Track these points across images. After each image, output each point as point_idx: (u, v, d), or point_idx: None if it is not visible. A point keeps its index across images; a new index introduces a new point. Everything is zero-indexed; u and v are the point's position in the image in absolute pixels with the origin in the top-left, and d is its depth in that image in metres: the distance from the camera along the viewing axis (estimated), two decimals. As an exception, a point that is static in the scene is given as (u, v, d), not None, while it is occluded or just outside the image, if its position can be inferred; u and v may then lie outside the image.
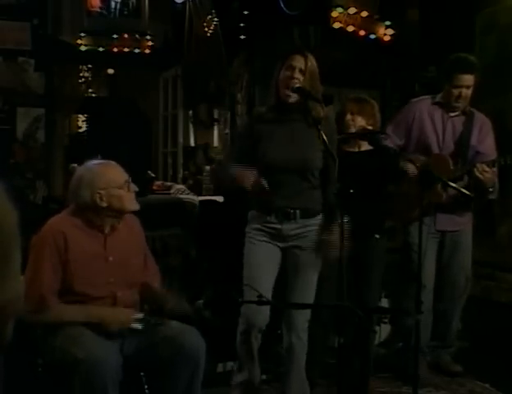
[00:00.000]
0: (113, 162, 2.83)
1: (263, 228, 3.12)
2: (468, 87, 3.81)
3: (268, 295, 3.01)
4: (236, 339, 3.16)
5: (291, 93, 3.04)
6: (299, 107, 3.09)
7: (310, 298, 3.15)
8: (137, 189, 2.81)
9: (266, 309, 3.06)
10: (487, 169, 3.64)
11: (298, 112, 3.10)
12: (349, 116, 3.49)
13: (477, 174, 3.63)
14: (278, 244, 3.14)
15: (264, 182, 2.97)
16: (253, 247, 3.14)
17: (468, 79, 3.79)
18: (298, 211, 3.09)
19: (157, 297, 2.83)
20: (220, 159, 6.53)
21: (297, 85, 3.03)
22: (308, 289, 3.15)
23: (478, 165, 3.65)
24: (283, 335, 3.20)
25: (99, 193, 2.70)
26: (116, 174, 2.77)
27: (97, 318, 2.62)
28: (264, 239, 3.13)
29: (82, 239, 2.71)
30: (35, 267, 2.64)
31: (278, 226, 3.10)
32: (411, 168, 3.52)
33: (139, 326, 2.68)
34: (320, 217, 3.16)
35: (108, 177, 2.74)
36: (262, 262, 3.11)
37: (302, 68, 3.04)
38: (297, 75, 3.03)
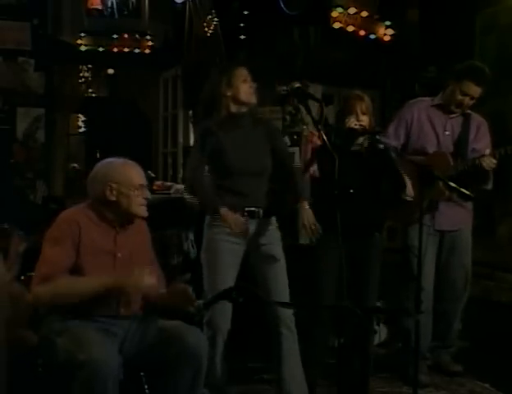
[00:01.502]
0: (135, 164, 2.84)
1: (227, 230, 3.15)
2: (472, 98, 3.79)
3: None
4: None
5: (245, 104, 3.22)
6: (247, 116, 3.26)
7: (285, 286, 3.25)
8: (149, 196, 2.82)
9: (229, 313, 3.17)
10: (495, 161, 3.63)
11: (245, 120, 3.26)
12: (356, 115, 3.42)
13: (486, 166, 3.62)
14: (242, 245, 3.22)
15: (247, 224, 3.14)
16: (215, 254, 3.20)
17: (476, 90, 3.77)
18: (260, 210, 3.23)
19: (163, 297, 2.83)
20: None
21: (297, 85, 3.04)
22: (282, 278, 3.25)
23: (486, 158, 3.64)
24: (271, 329, 3.24)
25: (110, 186, 2.72)
26: (132, 175, 2.78)
27: (111, 283, 2.61)
28: (227, 245, 3.18)
29: (94, 232, 2.73)
30: (50, 249, 2.65)
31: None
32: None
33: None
34: (275, 218, 3.32)
35: (124, 175, 2.76)
36: (225, 264, 3.18)
37: (249, 79, 3.25)
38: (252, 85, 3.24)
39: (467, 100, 3.80)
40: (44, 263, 2.64)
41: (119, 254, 2.77)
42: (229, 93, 3.22)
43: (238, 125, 3.25)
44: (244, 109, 3.25)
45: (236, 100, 3.22)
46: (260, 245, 3.26)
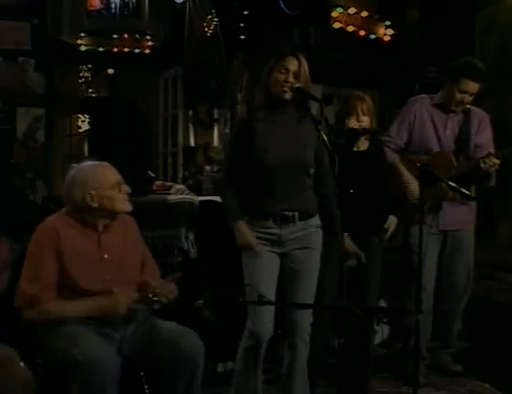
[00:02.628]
0: (105, 163, 2.82)
1: (260, 235, 3.02)
2: (471, 94, 3.79)
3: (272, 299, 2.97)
4: (237, 355, 3.08)
5: (287, 93, 2.98)
6: (292, 106, 3.04)
7: (312, 298, 3.11)
8: (129, 190, 2.80)
9: (271, 323, 3.01)
10: (497, 161, 3.63)
11: (291, 110, 3.05)
12: (356, 116, 3.43)
13: (487, 168, 3.62)
14: (277, 250, 3.05)
15: (259, 248, 2.96)
16: (251, 258, 3.02)
17: (474, 87, 3.76)
18: (296, 213, 3.02)
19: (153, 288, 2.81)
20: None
21: (297, 85, 3.01)
22: (310, 290, 3.09)
23: (487, 159, 3.63)
24: (286, 336, 3.16)
25: (90, 193, 2.70)
26: (107, 175, 2.77)
27: (98, 309, 2.63)
28: (262, 248, 3.01)
29: (76, 237, 2.72)
30: (31, 264, 2.66)
31: (277, 231, 3.03)
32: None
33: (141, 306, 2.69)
34: (317, 217, 3.11)
35: (100, 178, 2.74)
36: (262, 271, 3.02)
37: (296, 71, 3.00)
38: (291, 78, 2.98)
39: (466, 98, 3.80)
40: (28, 281, 2.63)
41: (105, 256, 2.76)
42: (274, 79, 3.00)
43: (280, 118, 3.03)
44: (288, 96, 2.99)
45: (270, 92, 3.02)
46: (294, 252, 3.06)
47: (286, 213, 3.01)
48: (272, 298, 2.99)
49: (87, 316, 2.63)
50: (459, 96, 3.79)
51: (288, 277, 3.09)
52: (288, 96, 3.00)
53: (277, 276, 3.08)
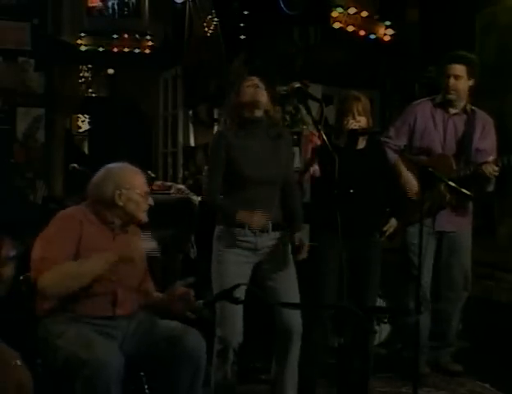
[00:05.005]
0: (141, 171, 2.89)
1: (237, 243, 3.17)
2: (456, 77, 3.82)
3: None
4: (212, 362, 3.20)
5: (258, 111, 3.18)
6: (264, 123, 3.22)
7: (295, 298, 3.22)
8: (152, 203, 2.85)
9: (241, 328, 3.16)
10: (496, 168, 3.64)
11: (263, 126, 3.23)
12: (352, 116, 3.43)
13: (487, 174, 3.63)
14: (252, 258, 3.20)
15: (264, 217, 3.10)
16: (222, 268, 3.18)
17: (456, 68, 3.81)
18: (270, 224, 3.19)
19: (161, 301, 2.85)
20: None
21: (297, 85, 3.04)
22: (290, 296, 3.20)
23: (488, 165, 3.65)
24: (278, 332, 3.22)
25: (120, 191, 2.74)
26: (141, 182, 2.84)
27: (114, 257, 2.61)
28: (235, 258, 3.17)
29: (94, 233, 2.74)
30: (48, 242, 2.66)
31: (253, 240, 3.17)
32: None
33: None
34: (285, 231, 3.28)
35: (134, 181, 2.80)
36: (234, 276, 3.11)
37: (259, 85, 3.21)
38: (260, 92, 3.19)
39: (452, 81, 3.83)
40: (42, 259, 2.61)
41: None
42: (237, 100, 3.20)
43: (252, 132, 3.21)
44: (258, 114, 3.20)
45: (244, 104, 3.18)
46: (268, 260, 3.23)
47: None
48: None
49: (105, 267, 2.60)
50: (446, 82, 3.83)
51: (265, 288, 3.23)
52: (259, 114, 3.20)
53: (248, 276, 3.20)
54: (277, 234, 3.24)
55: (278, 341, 3.25)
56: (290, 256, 3.28)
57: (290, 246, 3.29)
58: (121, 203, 2.75)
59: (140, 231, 2.97)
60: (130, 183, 2.78)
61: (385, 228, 3.56)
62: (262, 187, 3.17)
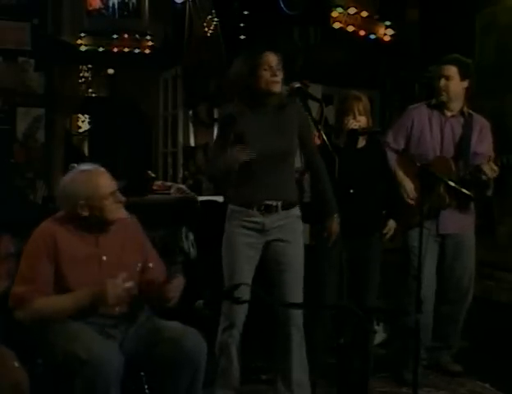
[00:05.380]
0: (100, 169, 2.78)
1: (244, 224, 3.14)
2: (447, 77, 3.81)
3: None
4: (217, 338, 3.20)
5: (276, 86, 3.08)
6: (272, 96, 3.12)
7: (300, 289, 3.19)
8: (123, 199, 2.77)
9: (245, 309, 3.14)
10: (495, 167, 3.63)
11: (270, 100, 3.13)
12: (352, 116, 3.43)
13: (488, 173, 3.63)
14: (260, 239, 3.16)
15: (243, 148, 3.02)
16: (232, 248, 3.16)
17: (446, 69, 3.80)
18: (279, 203, 3.13)
19: (159, 289, 2.80)
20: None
21: (297, 85, 3.04)
22: (297, 282, 3.18)
23: (487, 165, 3.63)
24: (279, 328, 3.22)
25: (79, 203, 2.68)
26: (99, 184, 2.72)
27: (87, 299, 2.59)
28: (244, 239, 3.14)
29: (73, 240, 2.70)
30: (25, 266, 2.65)
31: (261, 220, 3.13)
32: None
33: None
34: (297, 207, 3.21)
35: (91, 188, 2.70)
36: (241, 264, 3.13)
37: (277, 65, 3.11)
38: (278, 73, 3.10)
39: (443, 81, 3.82)
40: (21, 280, 2.62)
41: (104, 258, 2.73)
42: (250, 82, 3.10)
43: (261, 110, 3.13)
44: (268, 97, 3.12)
45: (258, 89, 3.10)
46: (277, 241, 3.18)
47: (270, 202, 3.13)
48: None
49: (77, 307, 2.59)
50: (437, 83, 3.84)
51: (271, 267, 3.20)
52: (278, 89, 3.09)
53: (255, 268, 3.18)
54: (287, 213, 3.17)
55: (279, 335, 3.23)
56: (301, 237, 3.22)
57: (301, 225, 3.23)
58: (86, 214, 2.70)
59: (135, 219, 2.92)
60: (88, 191, 2.69)
61: (385, 231, 3.56)
62: (270, 165, 3.09)
